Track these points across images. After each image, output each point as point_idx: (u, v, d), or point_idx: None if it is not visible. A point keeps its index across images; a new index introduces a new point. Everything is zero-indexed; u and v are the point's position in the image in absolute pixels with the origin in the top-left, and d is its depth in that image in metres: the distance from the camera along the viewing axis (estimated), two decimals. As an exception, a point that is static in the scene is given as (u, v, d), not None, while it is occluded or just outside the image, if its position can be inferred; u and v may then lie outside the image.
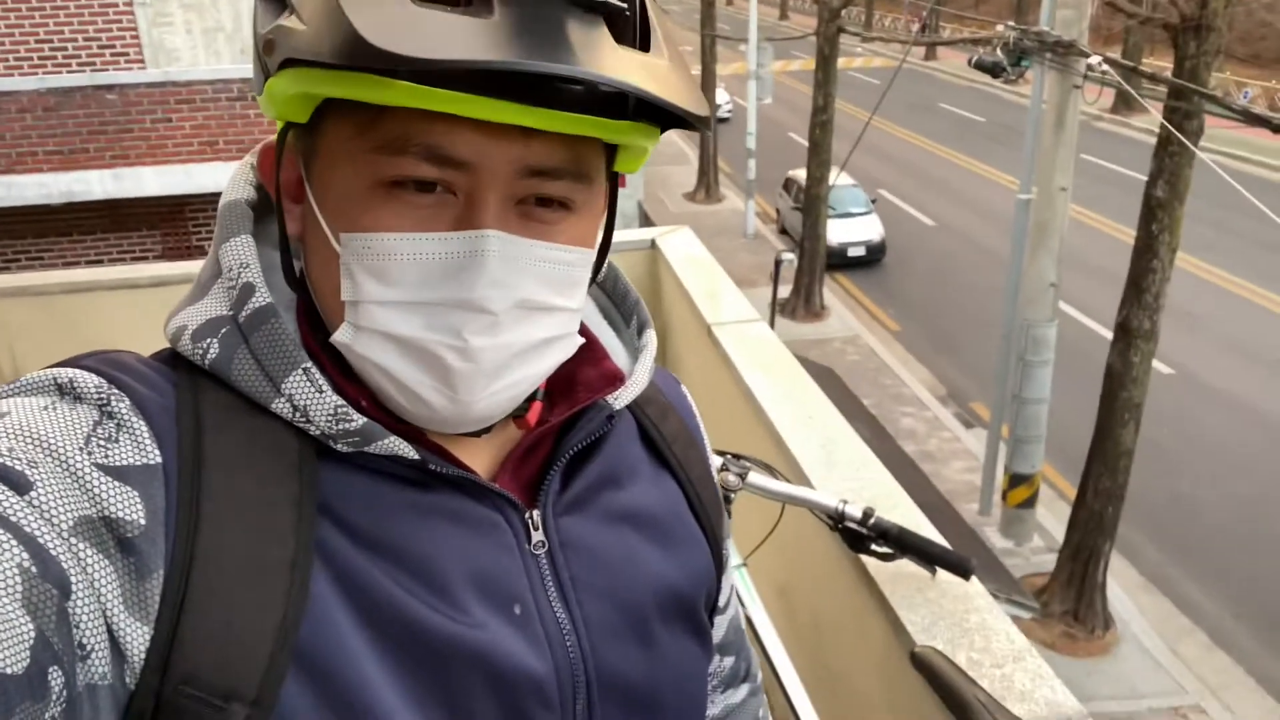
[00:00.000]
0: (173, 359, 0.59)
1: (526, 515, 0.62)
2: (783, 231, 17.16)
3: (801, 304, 13.81)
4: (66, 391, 0.53)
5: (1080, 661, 7.55)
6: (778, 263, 8.25)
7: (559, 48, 0.49)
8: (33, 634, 0.43)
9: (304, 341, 0.60)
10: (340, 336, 0.56)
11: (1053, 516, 9.24)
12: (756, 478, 1.61)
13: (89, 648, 0.46)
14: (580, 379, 0.68)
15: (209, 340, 0.57)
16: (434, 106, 0.50)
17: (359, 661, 0.53)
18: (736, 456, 1.64)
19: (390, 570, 0.55)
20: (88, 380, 0.53)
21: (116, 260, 8.82)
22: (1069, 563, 7.87)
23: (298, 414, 0.56)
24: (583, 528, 0.64)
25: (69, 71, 8.43)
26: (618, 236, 3.99)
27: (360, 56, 0.47)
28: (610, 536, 0.65)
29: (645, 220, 15.25)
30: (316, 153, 0.57)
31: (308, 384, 0.56)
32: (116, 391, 0.53)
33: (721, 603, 0.79)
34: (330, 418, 0.56)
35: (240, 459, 0.54)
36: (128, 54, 8.62)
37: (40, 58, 8.48)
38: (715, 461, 1.64)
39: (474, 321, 0.54)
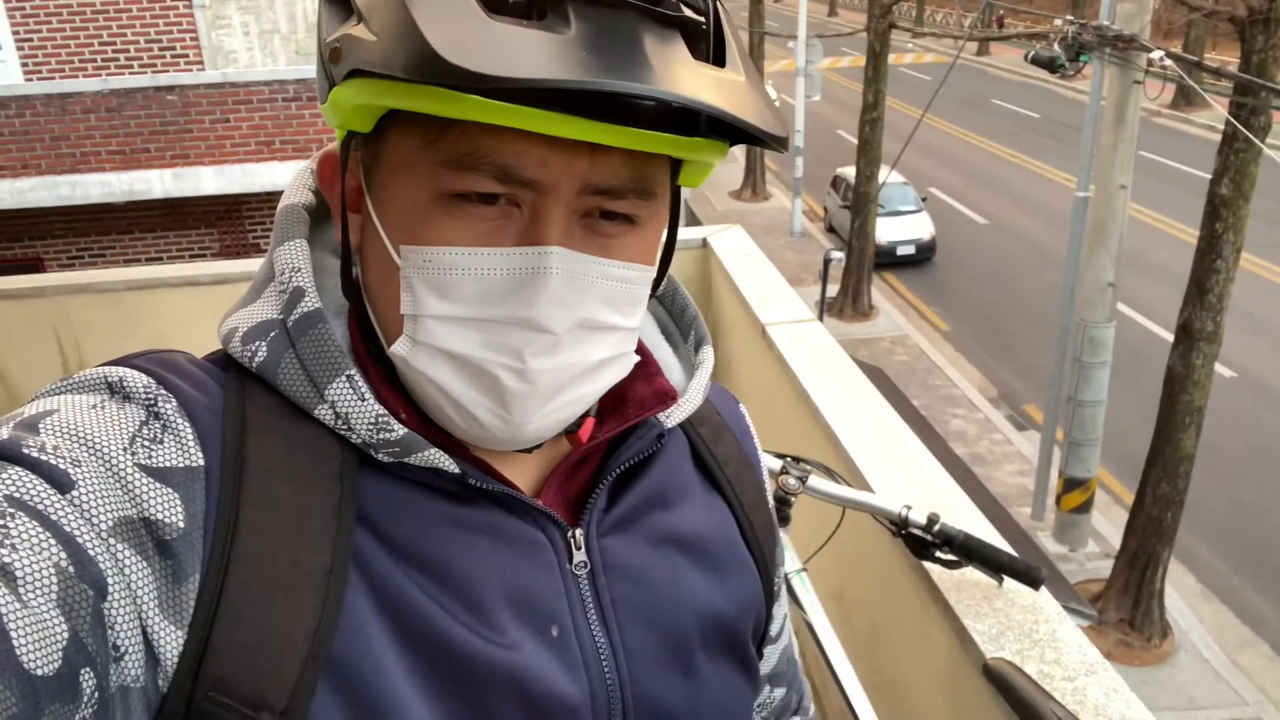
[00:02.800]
0: (224, 360, 0.59)
1: (569, 534, 0.60)
2: (830, 230, 17.00)
3: (849, 303, 13.67)
4: (116, 390, 0.53)
5: (1136, 670, 7.37)
6: (826, 261, 8.17)
7: (636, 65, 0.47)
8: (66, 635, 0.42)
9: (354, 349, 0.60)
10: (398, 349, 0.55)
11: (1108, 522, 9.03)
12: (817, 481, 1.59)
13: (123, 649, 0.46)
14: (631, 396, 0.66)
15: (258, 343, 0.57)
16: (504, 122, 0.49)
17: (390, 676, 0.52)
18: (796, 459, 1.62)
19: (426, 585, 0.55)
20: (137, 380, 0.53)
21: (175, 257, 9.03)
22: (1126, 569, 7.68)
23: (340, 421, 0.55)
24: (627, 549, 0.62)
25: (131, 73, 8.65)
26: (670, 235, 3.99)
27: (435, 73, 0.46)
28: (655, 559, 0.63)
29: (692, 219, 15.22)
30: (378, 163, 0.57)
31: (350, 391, 0.55)
32: (164, 392, 0.53)
33: (773, 632, 0.76)
34: (371, 426, 0.55)
35: (282, 464, 0.54)
36: (187, 55, 8.82)
37: (104, 59, 8.72)
38: (774, 464, 1.63)
39: (534, 342, 0.53)
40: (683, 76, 0.49)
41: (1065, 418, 8.56)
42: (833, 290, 13.37)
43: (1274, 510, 8.86)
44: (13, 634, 0.40)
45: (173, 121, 7.93)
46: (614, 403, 0.66)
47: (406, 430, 0.55)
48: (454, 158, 0.52)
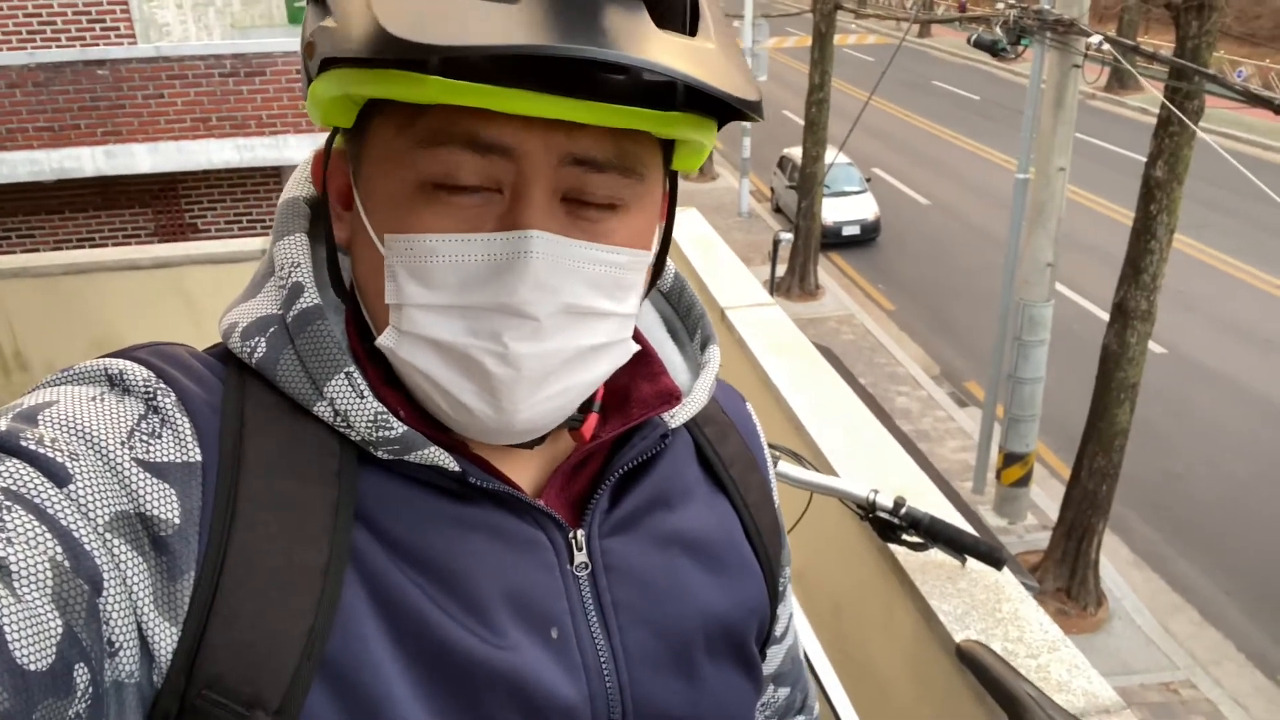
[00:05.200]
0: (225, 355, 0.58)
1: (571, 534, 0.60)
2: (777, 210, 17.10)
3: (796, 283, 13.80)
4: (116, 383, 0.52)
5: (1073, 638, 7.58)
6: (776, 242, 8.23)
7: (593, 31, 0.46)
8: (60, 630, 0.42)
9: (351, 346, 0.59)
10: (384, 340, 0.55)
11: (1046, 495, 9.30)
12: (785, 467, 1.60)
13: (118, 645, 0.46)
14: (635, 395, 0.65)
15: (257, 339, 0.56)
16: (469, 102, 0.48)
17: (385, 676, 0.51)
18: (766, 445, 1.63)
19: (424, 584, 0.54)
20: (137, 373, 0.53)
21: (108, 238, 8.73)
22: (1063, 540, 7.93)
23: (339, 418, 0.55)
24: (629, 550, 0.62)
25: (58, 46, 8.30)
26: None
27: (384, 48, 0.46)
28: (658, 560, 0.63)
29: (640, 198, 15.17)
30: (362, 157, 0.56)
31: (349, 389, 0.55)
32: (164, 386, 0.53)
33: (778, 632, 0.76)
34: (370, 424, 0.54)
35: (280, 461, 0.53)
36: (118, 28, 8.49)
37: (29, 32, 8.35)
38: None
39: (516, 327, 0.52)
40: (646, 44, 0.48)
41: (1005, 394, 8.78)
42: (780, 270, 13.48)
43: (1202, 481, 9.22)
44: (6, 629, 0.40)
45: (104, 97, 7.64)
46: (617, 402, 0.65)
47: (406, 428, 0.55)
48: (426, 136, 0.51)
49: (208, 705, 0.48)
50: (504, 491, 0.57)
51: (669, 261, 0.74)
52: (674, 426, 0.65)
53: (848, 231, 15.14)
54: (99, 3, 8.41)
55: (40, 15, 8.33)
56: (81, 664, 0.43)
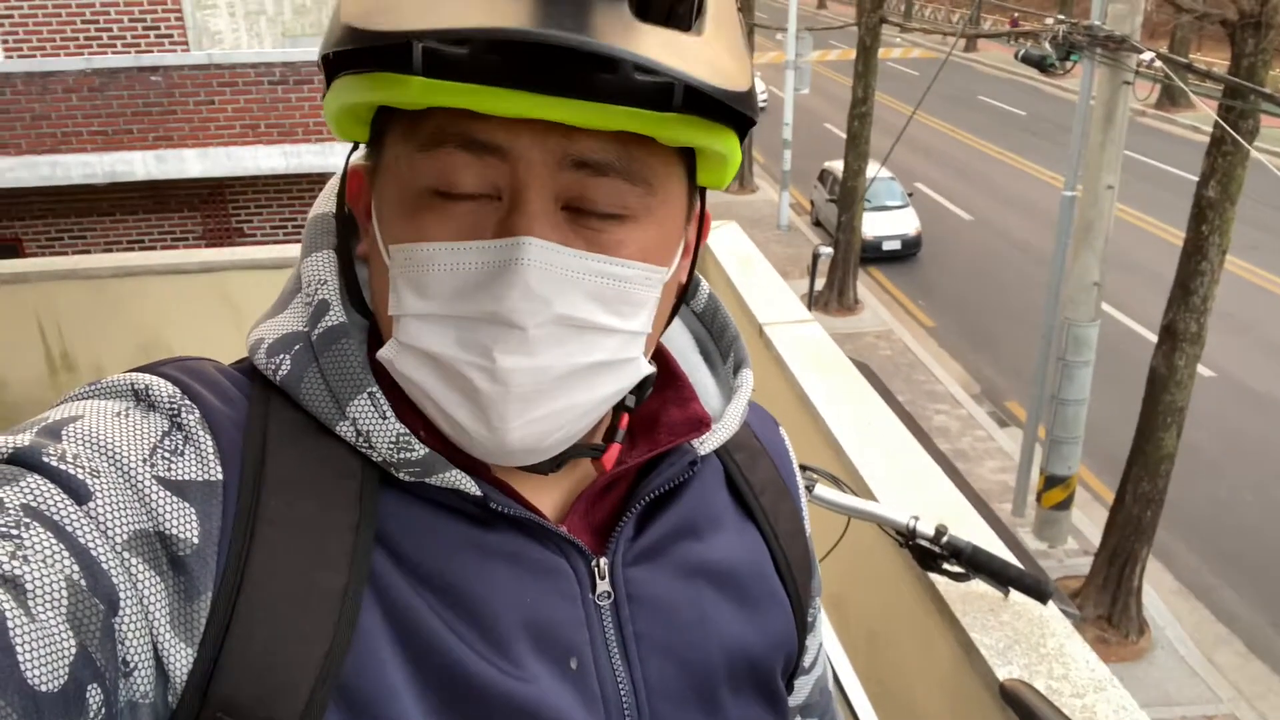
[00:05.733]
0: (251, 371, 0.58)
1: (593, 563, 0.58)
2: (817, 224, 17.01)
3: (835, 297, 13.70)
4: (142, 398, 0.52)
5: (1114, 667, 7.43)
6: (815, 256, 8.17)
7: (569, 19, 0.45)
8: (74, 650, 0.41)
9: (374, 365, 0.57)
10: (385, 353, 0.54)
11: (1088, 519, 9.12)
12: (824, 490, 1.58)
13: (133, 665, 0.45)
14: (664, 420, 0.63)
15: (282, 356, 0.56)
16: (451, 102, 0.47)
17: (401, 703, 0.50)
18: (804, 467, 1.60)
19: (442, 610, 0.53)
20: (162, 389, 0.52)
21: (157, 240, 8.91)
22: (1105, 567, 7.76)
23: (361, 439, 0.54)
24: (653, 580, 0.60)
25: (114, 52, 8.51)
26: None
27: (348, 40, 0.48)
28: (683, 592, 0.61)
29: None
30: (377, 170, 0.56)
31: (372, 409, 0.54)
32: (188, 403, 0.52)
33: (806, 663, 0.73)
34: (392, 445, 0.53)
35: (302, 481, 0.53)
36: (172, 35, 8.68)
37: (86, 38, 8.56)
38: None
39: (504, 339, 0.50)
40: (624, 34, 0.46)
41: (1047, 415, 8.62)
42: (819, 285, 13.39)
43: (1250, 509, 8.97)
44: (18, 649, 0.39)
45: (156, 103, 7.81)
46: (645, 427, 0.63)
47: (428, 450, 0.54)
48: (425, 140, 0.51)
49: None
50: (525, 518, 0.56)
51: (703, 282, 0.72)
52: (703, 453, 0.63)
53: (888, 246, 15.01)
54: (154, 10, 8.61)
55: (98, 22, 8.54)
56: (95, 684, 0.42)
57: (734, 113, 0.52)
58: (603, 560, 0.58)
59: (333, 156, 7.97)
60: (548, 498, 0.60)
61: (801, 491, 0.74)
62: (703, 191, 0.59)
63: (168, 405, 0.52)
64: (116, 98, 7.71)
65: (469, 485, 0.54)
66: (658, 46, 0.47)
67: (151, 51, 8.53)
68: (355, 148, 0.58)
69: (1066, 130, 8.79)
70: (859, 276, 14.03)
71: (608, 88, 0.46)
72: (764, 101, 24.61)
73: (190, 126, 7.89)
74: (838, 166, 14.52)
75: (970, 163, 20.09)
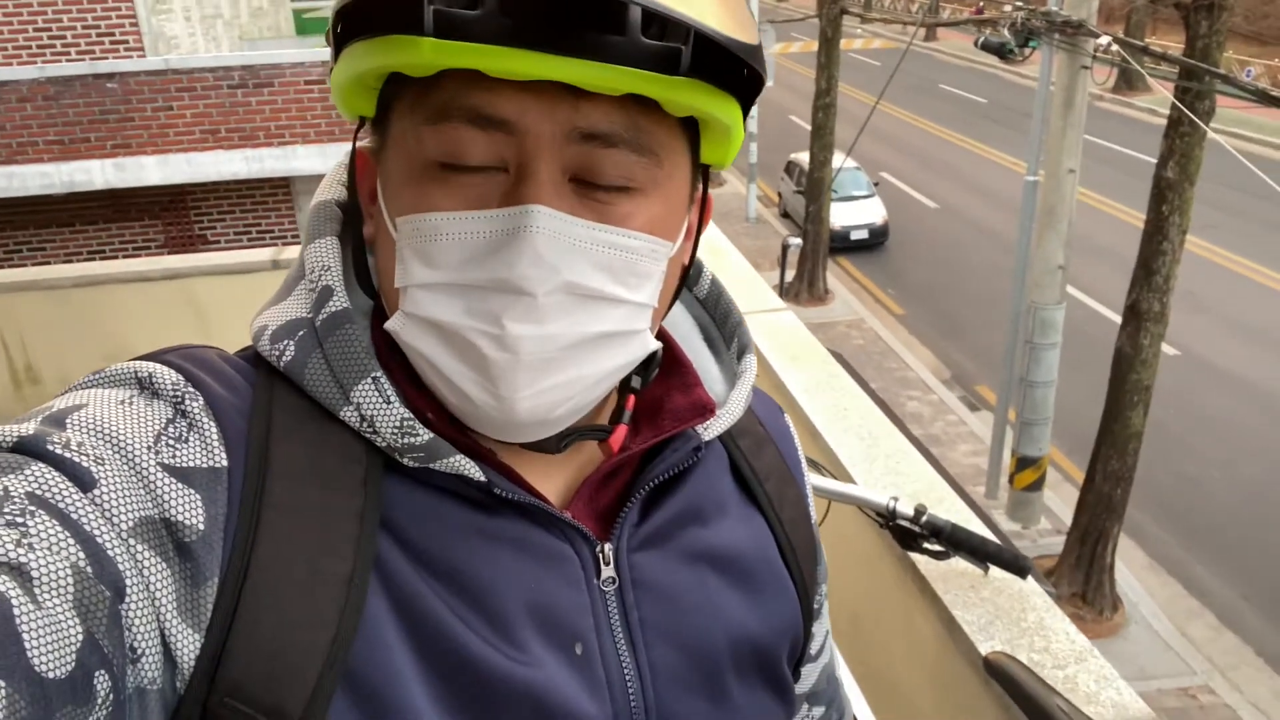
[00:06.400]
0: (254, 358, 0.57)
1: (598, 548, 0.58)
2: (784, 215, 17.08)
3: (805, 288, 13.77)
4: (145, 386, 0.52)
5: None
6: (784, 248, 8.22)
7: None
8: (80, 637, 0.41)
9: (377, 350, 0.58)
10: (392, 324, 0.54)
11: (1059, 499, 9.25)
12: (812, 477, 1.58)
13: (140, 651, 0.45)
14: (668, 406, 0.63)
15: (286, 342, 0.56)
16: (463, 63, 0.47)
17: (407, 688, 0.50)
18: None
19: (447, 596, 0.53)
20: (166, 376, 0.52)
21: (119, 249, 8.77)
22: (1077, 545, 7.87)
23: (365, 424, 0.54)
24: (658, 566, 0.60)
25: (68, 60, 8.36)
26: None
27: (366, 4, 0.48)
28: (688, 577, 0.61)
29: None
30: (384, 147, 0.56)
31: (376, 394, 0.54)
32: (192, 390, 0.53)
33: (813, 650, 0.73)
34: (396, 430, 0.53)
35: (306, 467, 0.53)
36: (127, 41, 8.55)
37: (39, 46, 8.41)
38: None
39: (513, 306, 0.50)
40: None
41: (1017, 398, 8.73)
42: (789, 276, 13.46)
43: (1217, 484, 9.14)
44: (25, 636, 0.39)
45: (113, 110, 7.68)
46: (649, 413, 0.63)
47: (432, 435, 0.54)
48: (433, 112, 0.51)
49: (230, 713, 0.47)
50: (530, 503, 0.56)
51: (705, 267, 0.72)
52: (707, 439, 0.63)
53: (856, 236, 15.11)
54: (108, 17, 8.47)
55: (50, 30, 8.39)
56: (102, 671, 0.42)
57: (740, 80, 0.52)
58: (607, 546, 0.58)
59: (295, 161, 7.88)
60: (552, 484, 0.60)
61: (807, 478, 0.74)
62: (705, 174, 0.59)
63: (171, 393, 0.52)
64: (72, 106, 7.58)
65: (473, 470, 0.54)
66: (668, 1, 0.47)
67: (107, 58, 8.39)
68: (361, 125, 0.58)
69: (1028, 116, 8.90)
70: (828, 267, 14.11)
71: (618, 49, 0.47)
72: (728, 95, 24.62)
73: (149, 133, 7.77)
74: (804, 158, 14.59)
75: (934, 151, 20.27)
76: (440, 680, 0.51)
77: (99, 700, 0.42)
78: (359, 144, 0.60)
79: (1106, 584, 7.81)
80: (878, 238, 15.31)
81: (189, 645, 0.47)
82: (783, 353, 2.42)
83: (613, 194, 0.52)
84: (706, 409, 0.63)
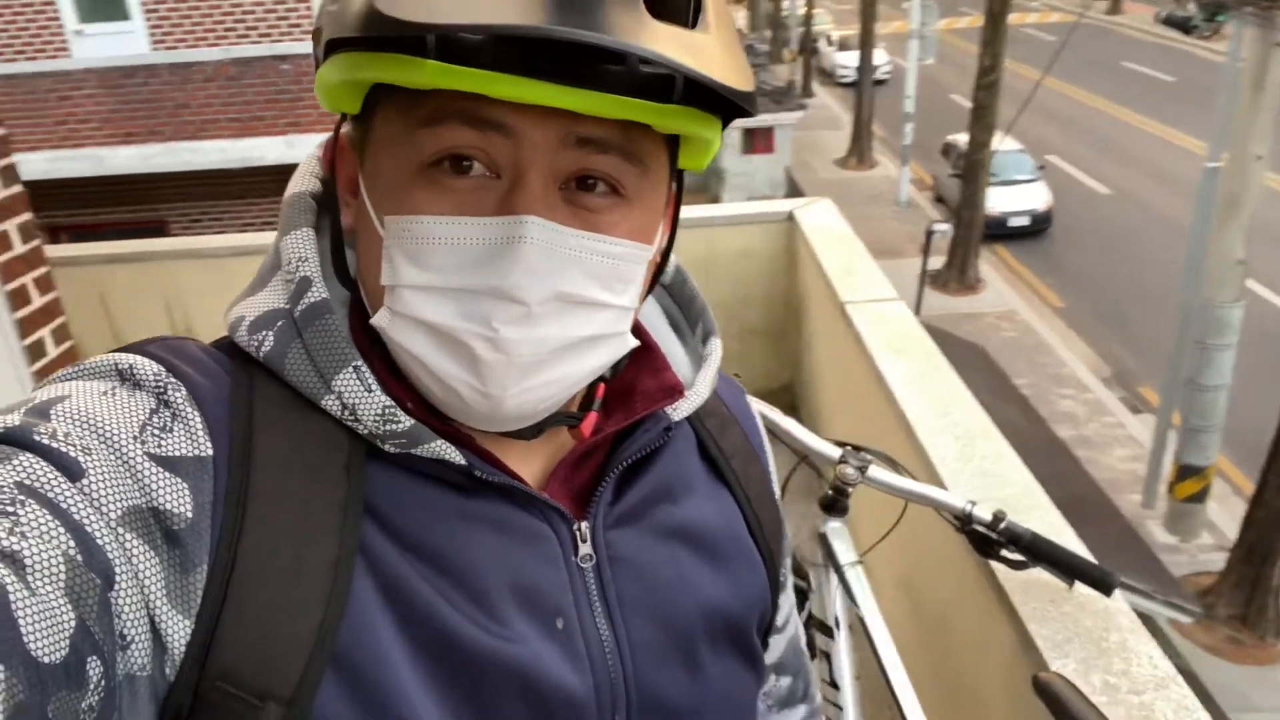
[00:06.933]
0: (231, 349, 0.58)
1: (575, 527, 0.60)
2: (939, 200, 16.41)
3: (955, 276, 13.21)
4: (126, 377, 0.53)
5: (1246, 669, 6.98)
6: (929, 233, 7.90)
7: (589, 16, 0.46)
8: (73, 623, 0.42)
9: (355, 339, 0.59)
10: (378, 320, 0.55)
11: (1225, 513, 8.54)
12: (878, 472, 1.54)
13: (130, 638, 0.46)
14: (638, 389, 0.65)
15: (265, 333, 0.57)
16: (465, 86, 0.48)
17: (395, 668, 0.52)
18: (856, 448, 1.57)
19: (431, 577, 0.54)
20: (147, 367, 0.53)
21: (287, 221, 9.35)
22: (1240, 564, 7.26)
23: (346, 412, 0.55)
24: (633, 543, 0.62)
25: (249, 43, 8.97)
26: (756, 207, 3.92)
27: (375, 26, 0.47)
28: (661, 553, 0.63)
29: (793, 188, 14.94)
30: (368, 141, 0.57)
31: (357, 382, 0.55)
32: (174, 380, 0.53)
33: (779, 622, 0.76)
34: (378, 418, 0.55)
35: (289, 455, 0.54)
36: (301, 25, 9.08)
37: (224, 29, 9.05)
38: (833, 453, 1.58)
39: (505, 311, 0.52)
40: (638, 31, 0.47)
41: (1183, 401, 8.10)
42: (938, 263, 12.94)
43: None
44: (21, 622, 0.40)
45: (286, 90, 8.19)
46: (620, 396, 0.65)
47: (413, 422, 0.55)
48: (429, 116, 0.52)
49: (220, 697, 0.49)
50: (509, 484, 0.57)
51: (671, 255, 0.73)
52: (676, 420, 0.65)
53: (1015, 222, 14.35)
54: (285, 1, 9.02)
55: (234, 13, 9.01)
56: (94, 657, 0.43)
57: (727, 103, 0.53)
58: (584, 524, 0.60)
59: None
60: (529, 466, 0.62)
61: (770, 457, 0.76)
62: (680, 176, 0.61)
63: (154, 383, 0.53)
64: (250, 86, 8.13)
65: (454, 455, 0.55)
66: (667, 40, 0.48)
67: (283, 41, 8.95)
68: (342, 119, 0.60)
69: (1219, 97, 8.18)
70: (983, 254, 13.47)
71: (617, 79, 0.49)
72: (887, 73, 23.85)
73: (317, 112, 8.24)
74: (962, 139, 13.95)
75: (1110, 133, 18.94)
76: (428, 659, 0.53)
77: (91, 685, 0.43)
78: (324, 138, 0.62)
79: (1271, 607, 7.18)
80: (1040, 224, 14.49)
81: (179, 631, 0.48)
82: (886, 345, 2.34)
83: (602, 200, 0.54)
84: (675, 391, 0.65)
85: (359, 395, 0.55)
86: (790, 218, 3.43)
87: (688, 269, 0.74)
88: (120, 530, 0.47)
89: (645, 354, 0.66)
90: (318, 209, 0.63)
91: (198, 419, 0.53)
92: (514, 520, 0.58)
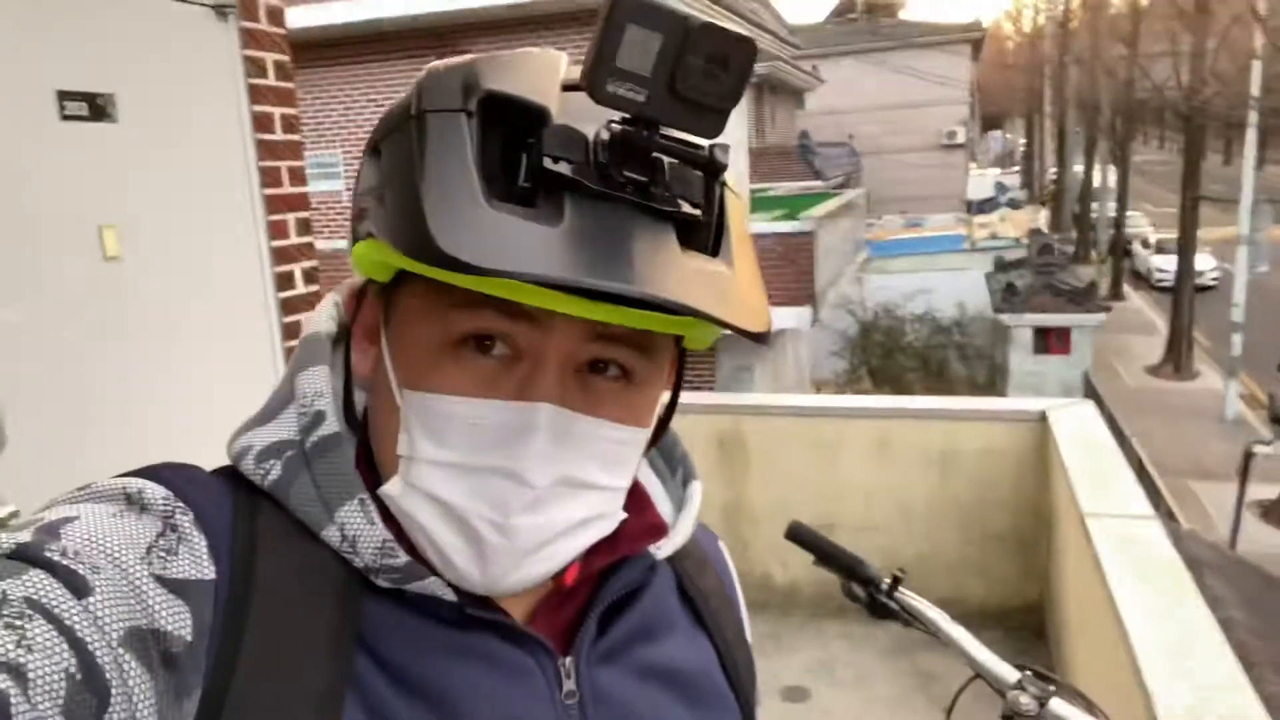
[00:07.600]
0: (234, 476, 0.61)
1: (559, 662, 0.61)
2: (1275, 420, 14.35)
3: (1294, 509, 11.30)
4: (134, 501, 0.55)
5: None
6: (1248, 455, 6.92)
7: (618, 262, 0.49)
8: None
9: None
10: (389, 489, 0.58)
11: None
12: (1061, 707, 1.32)
13: None
14: (624, 529, 0.65)
15: (272, 462, 0.59)
16: (499, 294, 0.52)
17: None
18: (1040, 675, 1.36)
19: (421, 712, 0.55)
20: (155, 491, 0.55)
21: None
22: None
23: (345, 543, 0.58)
24: (615, 681, 0.63)
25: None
26: (1003, 403, 3.68)
27: (429, 256, 0.48)
28: (641, 693, 0.64)
29: (1090, 393, 13.80)
30: (395, 307, 0.61)
31: (361, 515, 0.58)
32: (181, 505, 0.56)
33: None
34: (376, 551, 0.57)
35: (288, 584, 0.56)
36: None
37: None
38: (1011, 676, 1.38)
39: (516, 496, 0.55)
40: (665, 271, 0.50)
41: None
42: (1271, 491, 11.17)
43: None
44: None
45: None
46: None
47: (409, 559, 0.58)
48: (463, 300, 0.55)
49: None
50: (498, 620, 0.59)
51: None
52: (660, 558, 0.67)
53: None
54: None
55: None
56: None
57: None
58: (568, 660, 0.61)
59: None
60: (517, 602, 0.63)
61: (741, 602, 0.78)
62: (682, 351, 0.65)
63: (161, 508, 0.55)
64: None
65: (446, 593, 0.58)
66: (695, 279, 0.52)
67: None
68: (368, 283, 0.63)
69: None
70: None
71: (644, 303, 0.53)
72: (1214, 279, 21.87)
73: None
74: (1304, 355, 12.25)
75: None
76: None
77: None
78: (350, 282, 0.67)
79: None
80: None
81: None
82: (1129, 568, 2.05)
83: (612, 383, 0.58)
84: (659, 530, 0.68)
85: (361, 527, 0.57)
86: (1042, 418, 3.17)
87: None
88: (120, 651, 0.48)
89: (631, 494, 0.67)
90: (332, 349, 0.67)
91: (203, 543, 0.55)
92: (503, 656, 0.59)
